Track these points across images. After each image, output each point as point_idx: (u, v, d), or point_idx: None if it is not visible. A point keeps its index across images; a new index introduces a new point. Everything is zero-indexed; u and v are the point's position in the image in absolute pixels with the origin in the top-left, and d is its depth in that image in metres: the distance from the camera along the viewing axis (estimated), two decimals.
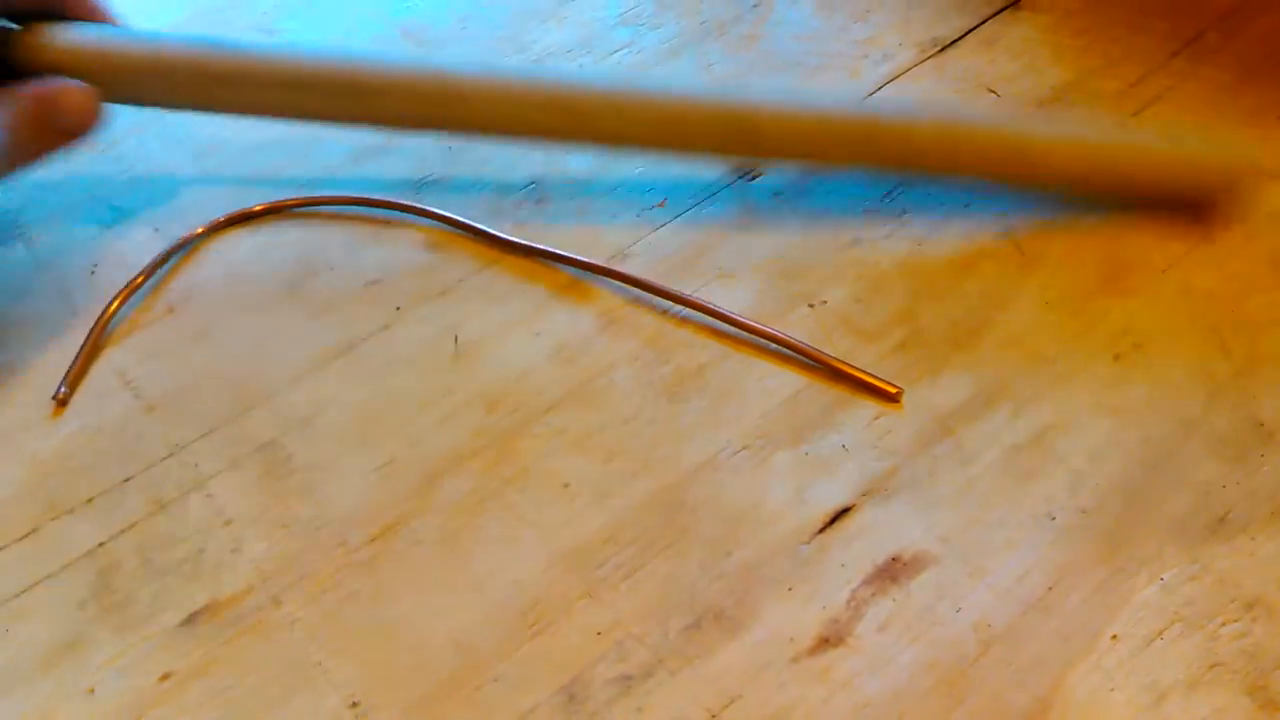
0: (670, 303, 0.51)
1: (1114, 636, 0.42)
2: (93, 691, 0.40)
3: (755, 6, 0.65)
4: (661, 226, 0.54)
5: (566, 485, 0.46)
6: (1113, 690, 0.41)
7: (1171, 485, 0.46)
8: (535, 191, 0.56)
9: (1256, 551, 0.44)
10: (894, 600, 0.43)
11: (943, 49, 0.62)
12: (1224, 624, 0.43)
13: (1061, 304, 0.52)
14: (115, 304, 0.51)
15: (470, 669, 0.41)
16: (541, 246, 0.53)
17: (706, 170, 0.57)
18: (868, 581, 0.43)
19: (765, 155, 0.54)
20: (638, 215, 0.55)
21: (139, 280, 0.52)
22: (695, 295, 0.51)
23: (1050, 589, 0.43)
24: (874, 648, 0.42)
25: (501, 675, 0.41)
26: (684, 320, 0.51)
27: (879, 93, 0.60)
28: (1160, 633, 0.42)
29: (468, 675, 0.41)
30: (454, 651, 0.41)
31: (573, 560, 0.44)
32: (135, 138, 0.59)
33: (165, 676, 0.41)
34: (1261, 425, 0.48)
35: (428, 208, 0.55)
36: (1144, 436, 0.47)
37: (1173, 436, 0.47)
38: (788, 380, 0.49)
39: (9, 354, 0.50)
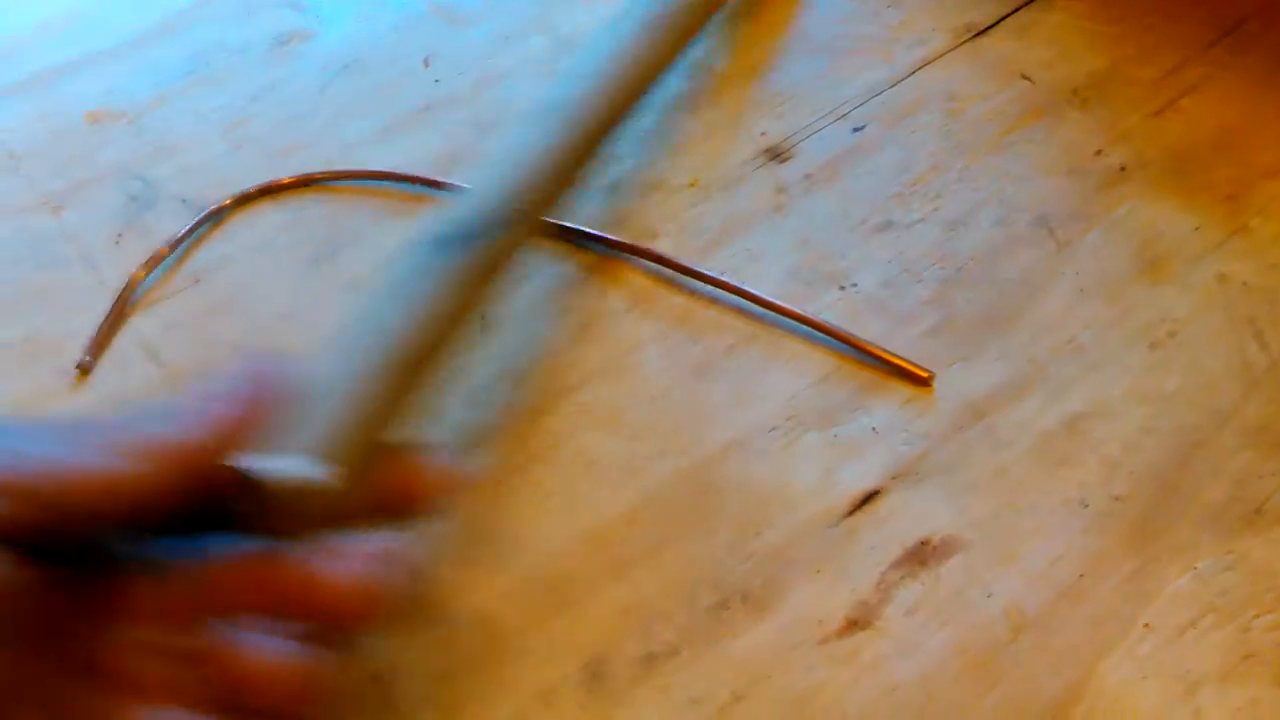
0: (699, 283, 0.51)
1: (1146, 625, 0.42)
2: None
3: None
4: (692, 207, 0.54)
5: (593, 463, 0.45)
6: (1145, 679, 0.40)
7: (1206, 474, 0.45)
8: None
9: None
10: (923, 584, 0.42)
11: (976, 35, 0.62)
12: (1258, 615, 0.42)
13: (1096, 291, 0.51)
14: (140, 274, 0.51)
15: (493, 644, 0.40)
16: (570, 225, 0.52)
17: (738, 151, 0.56)
18: (896, 565, 0.43)
19: None
20: (668, 195, 0.54)
21: (164, 251, 0.52)
22: (725, 276, 0.50)
23: (1082, 576, 0.43)
24: (903, 631, 0.41)
25: (525, 651, 0.40)
26: (713, 301, 0.50)
27: (910, 78, 0.60)
28: (1193, 622, 0.42)
29: (491, 650, 0.40)
30: (477, 626, 0.41)
31: (598, 537, 0.43)
32: (162, 108, 0.58)
33: None
34: None
35: (456, 184, 0.54)
36: (1179, 425, 0.47)
37: (1208, 426, 0.47)
38: (817, 362, 0.48)
39: (34, 322, 0.50)
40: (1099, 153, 0.56)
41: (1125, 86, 0.59)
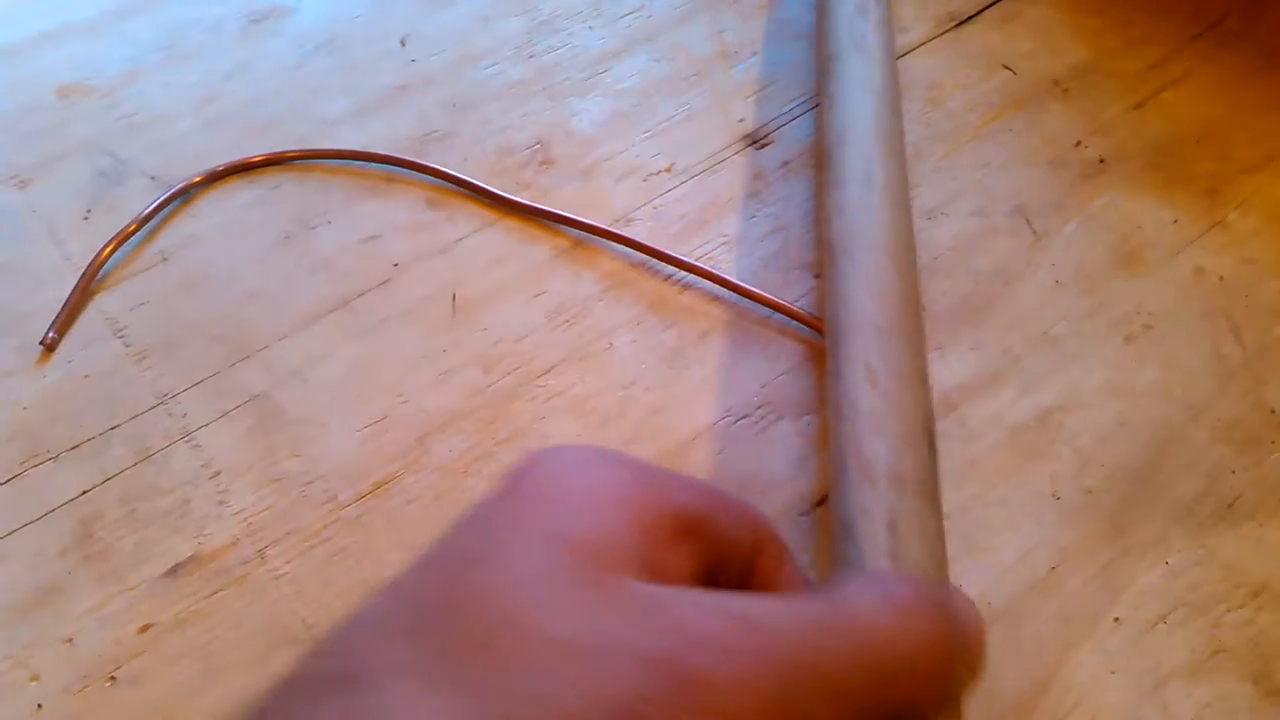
0: (674, 268, 0.50)
1: (1116, 619, 0.41)
2: (71, 640, 0.40)
3: None
4: (667, 192, 0.53)
5: None
6: (1113, 673, 0.40)
7: (1179, 469, 0.45)
8: (540, 152, 0.55)
9: (1264, 538, 0.44)
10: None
11: (958, 24, 0.61)
12: (1228, 610, 0.42)
13: (1072, 283, 0.51)
14: (108, 250, 0.50)
15: None
16: (544, 207, 0.52)
17: (716, 136, 0.56)
18: None
19: None
20: (644, 179, 0.54)
21: (132, 228, 0.51)
22: (699, 262, 0.50)
23: (1053, 569, 0.43)
24: None
25: None
26: (687, 286, 0.50)
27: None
28: (1164, 617, 0.42)
29: None
30: None
31: None
32: (135, 84, 0.57)
33: (145, 627, 0.40)
34: (1273, 412, 0.47)
35: (429, 164, 0.53)
36: (1152, 419, 0.47)
37: (1181, 420, 0.47)
38: (791, 350, 0.48)
39: None
40: (1079, 144, 0.56)
41: (1107, 79, 0.59)
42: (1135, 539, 0.43)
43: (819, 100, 0.54)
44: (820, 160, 0.51)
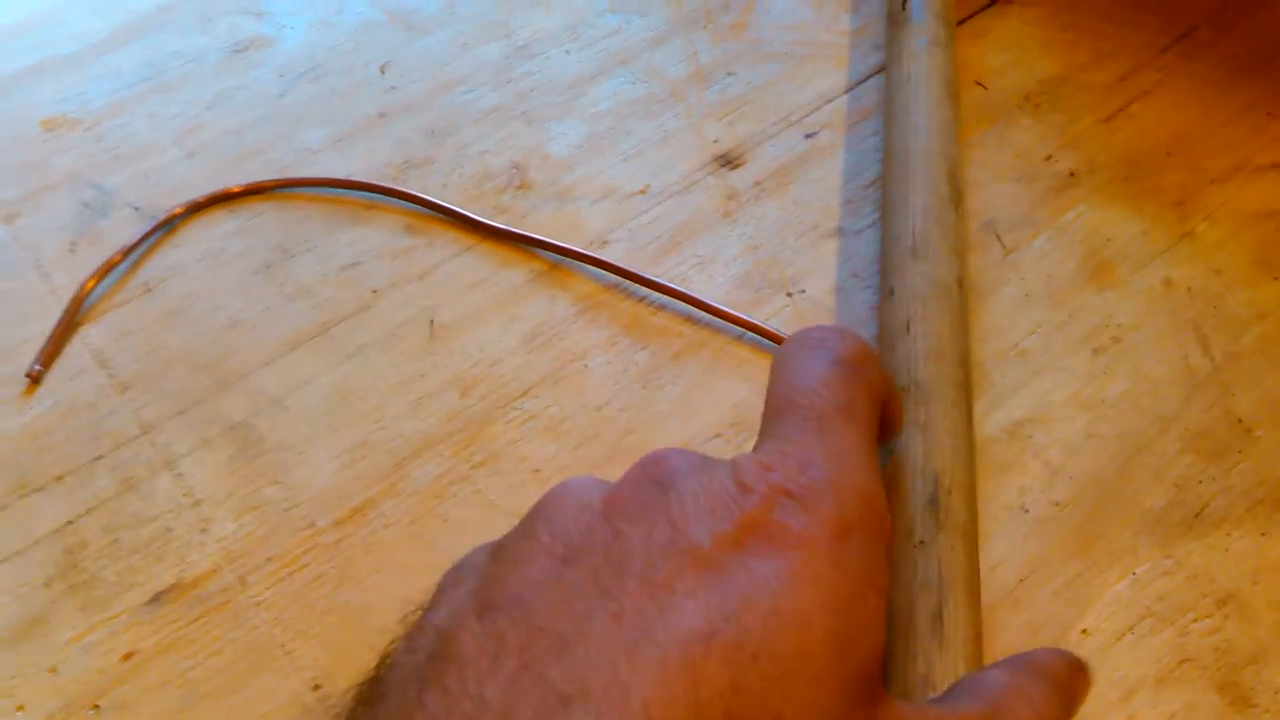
0: (648, 290, 0.51)
1: (1084, 631, 0.42)
2: (55, 670, 0.40)
3: None
4: (643, 213, 0.54)
5: (537, 471, 0.46)
6: None
7: (1147, 480, 0.46)
8: (517, 176, 0.56)
9: (1231, 547, 0.44)
10: None
11: None
12: (1195, 620, 0.42)
13: (1042, 296, 0.51)
14: (92, 282, 0.51)
15: None
16: (521, 231, 0.53)
17: (690, 157, 0.56)
18: None
19: None
20: (619, 202, 0.55)
21: (116, 259, 0.52)
22: (673, 283, 0.51)
23: (1021, 581, 0.43)
24: None
25: None
26: (660, 308, 0.51)
27: (864, 84, 0.60)
28: (1131, 628, 0.42)
29: None
30: None
31: None
32: (118, 116, 0.58)
33: (129, 655, 0.41)
34: (1240, 421, 0.47)
35: (407, 190, 0.54)
36: (1121, 430, 0.47)
37: (1150, 431, 0.47)
38: (763, 369, 0.49)
39: None
40: (1049, 158, 0.57)
41: (1077, 92, 0.60)
42: (1103, 550, 0.44)
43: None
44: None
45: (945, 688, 0.36)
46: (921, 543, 0.40)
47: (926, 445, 0.42)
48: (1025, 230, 0.54)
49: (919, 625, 0.38)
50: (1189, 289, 0.51)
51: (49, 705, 0.39)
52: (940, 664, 0.37)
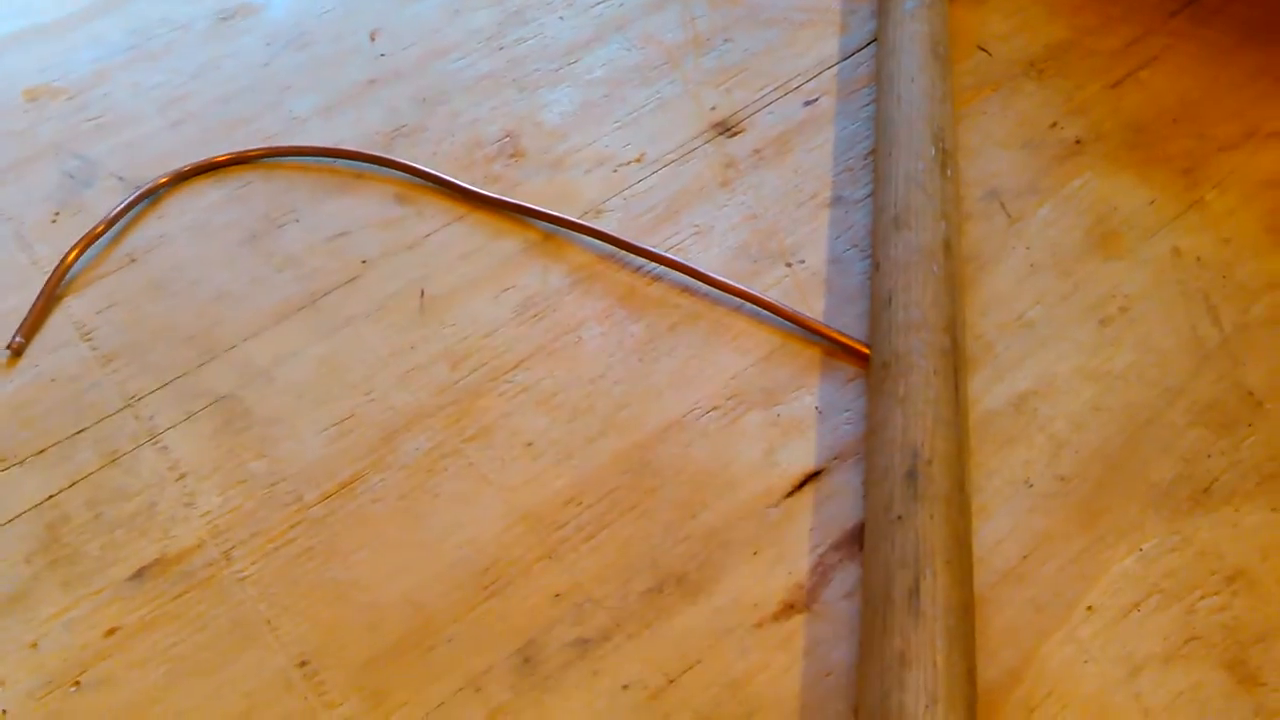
0: (644, 260, 0.50)
1: (1090, 607, 0.41)
2: (36, 645, 0.39)
3: None
4: (638, 182, 0.53)
5: (529, 444, 0.44)
6: (1087, 662, 0.40)
7: (1155, 454, 0.45)
8: (509, 145, 0.54)
9: (1240, 523, 0.43)
10: (862, 567, 0.42)
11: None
12: (1203, 597, 0.41)
13: (1047, 266, 0.50)
14: (74, 253, 0.50)
15: (423, 629, 0.40)
16: (513, 200, 0.51)
17: (686, 125, 0.55)
18: (836, 547, 0.42)
19: None
20: (614, 170, 0.53)
21: (99, 229, 0.51)
22: (670, 253, 0.50)
23: (1025, 557, 0.42)
24: (840, 615, 0.41)
25: (455, 636, 0.40)
26: (657, 278, 0.50)
27: (864, 50, 0.58)
28: (1137, 604, 0.41)
29: (420, 636, 0.40)
30: (407, 611, 0.40)
31: (533, 521, 0.42)
32: (101, 86, 0.57)
33: (111, 631, 0.40)
34: (1250, 394, 0.46)
35: (398, 159, 0.53)
36: (1128, 403, 0.46)
37: (1157, 403, 0.46)
38: (761, 340, 0.48)
39: None
40: (1054, 125, 0.55)
41: (1084, 58, 0.58)
42: (1109, 525, 0.43)
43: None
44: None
45: (920, 662, 0.36)
46: (899, 517, 0.39)
47: (905, 419, 0.41)
48: (1030, 198, 0.52)
49: (896, 601, 0.37)
50: (1198, 258, 0.50)
51: (29, 681, 0.38)
52: (916, 639, 0.36)
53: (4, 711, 0.38)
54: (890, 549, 0.39)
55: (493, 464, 0.44)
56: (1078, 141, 0.55)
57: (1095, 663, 0.40)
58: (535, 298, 0.49)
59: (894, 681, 0.36)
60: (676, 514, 0.43)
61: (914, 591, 0.37)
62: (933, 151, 0.49)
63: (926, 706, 0.35)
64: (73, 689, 0.39)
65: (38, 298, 0.48)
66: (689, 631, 0.40)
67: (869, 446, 0.43)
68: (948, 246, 0.46)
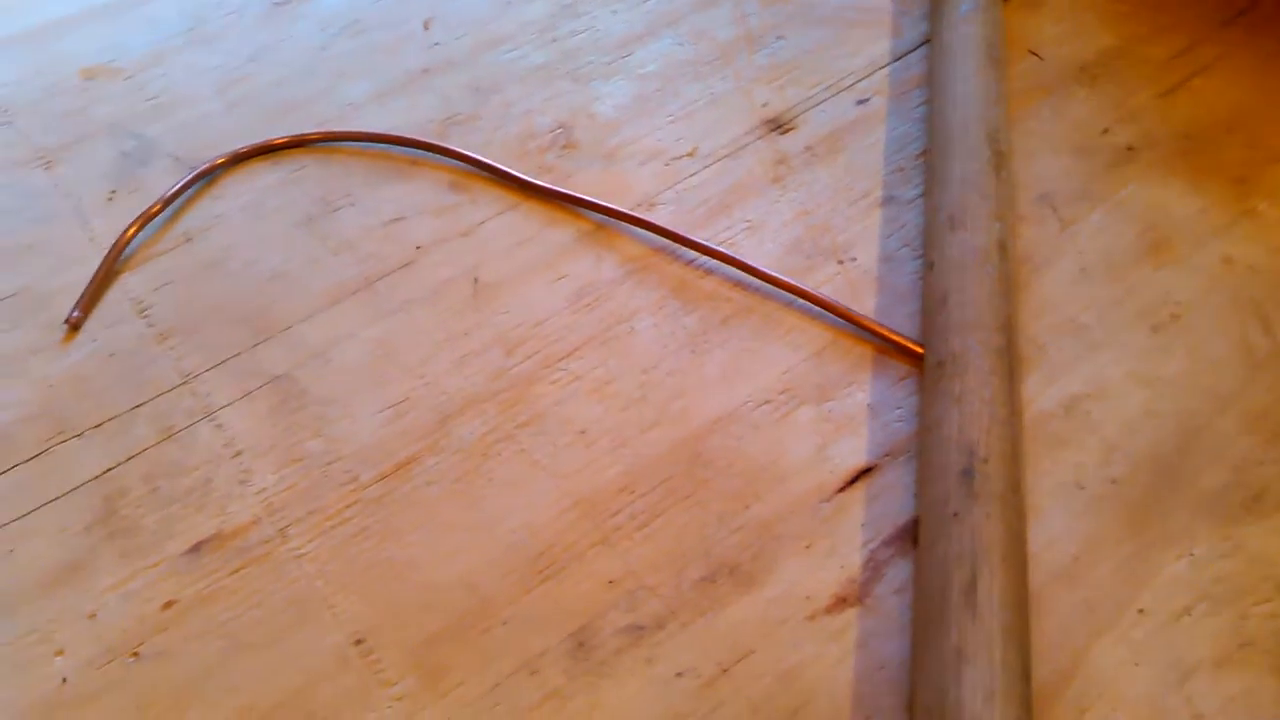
0: (696, 253, 0.50)
1: (1141, 610, 0.41)
2: (94, 616, 0.40)
3: None
4: (690, 176, 0.53)
5: (583, 432, 0.45)
6: (1137, 665, 0.40)
7: (1206, 460, 0.45)
8: (563, 136, 0.55)
9: None
10: (913, 563, 0.42)
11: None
12: (1255, 603, 0.41)
13: (1099, 271, 0.50)
14: (132, 230, 0.50)
15: (478, 611, 0.40)
16: (566, 191, 0.52)
17: (739, 121, 0.55)
18: (887, 542, 0.42)
19: None
20: (667, 164, 0.54)
21: (156, 208, 0.51)
22: (722, 246, 0.50)
23: (1076, 559, 0.42)
24: (892, 610, 0.41)
25: (510, 619, 0.40)
26: (709, 271, 0.50)
27: (917, 51, 0.59)
28: (1188, 609, 0.41)
29: (475, 617, 0.40)
30: (463, 593, 0.40)
31: (586, 507, 0.43)
32: (159, 66, 0.57)
33: (168, 604, 0.40)
34: None
35: (452, 147, 0.53)
36: (1179, 409, 0.46)
37: (1208, 410, 0.46)
38: (813, 336, 0.48)
39: (24, 277, 0.49)
40: (1106, 131, 0.55)
41: (1136, 65, 0.58)
42: (1160, 530, 0.43)
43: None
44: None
45: (977, 658, 0.36)
46: (956, 514, 0.39)
47: (961, 417, 0.41)
48: (1082, 204, 0.52)
49: (952, 597, 0.37)
50: (1250, 267, 0.50)
51: (88, 650, 0.39)
52: (973, 635, 0.36)
53: (64, 680, 0.38)
54: (947, 545, 0.39)
55: (546, 450, 0.44)
56: (1129, 148, 0.55)
57: (1147, 665, 0.40)
58: (588, 287, 0.49)
59: (951, 677, 0.36)
60: (729, 505, 0.43)
61: (971, 588, 0.37)
62: (988, 153, 0.49)
63: (984, 703, 0.35)
64: (131, 659, 0.39)
65: (96, 273, 0.49)
66: (742, 622, 0.40)
67: (923, 444, 0.43)
68: (1003, 248, 0.47)
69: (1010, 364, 0.43)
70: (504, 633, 0.40)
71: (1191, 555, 0.42)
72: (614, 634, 0.40)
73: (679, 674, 0.39)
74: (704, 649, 0.39)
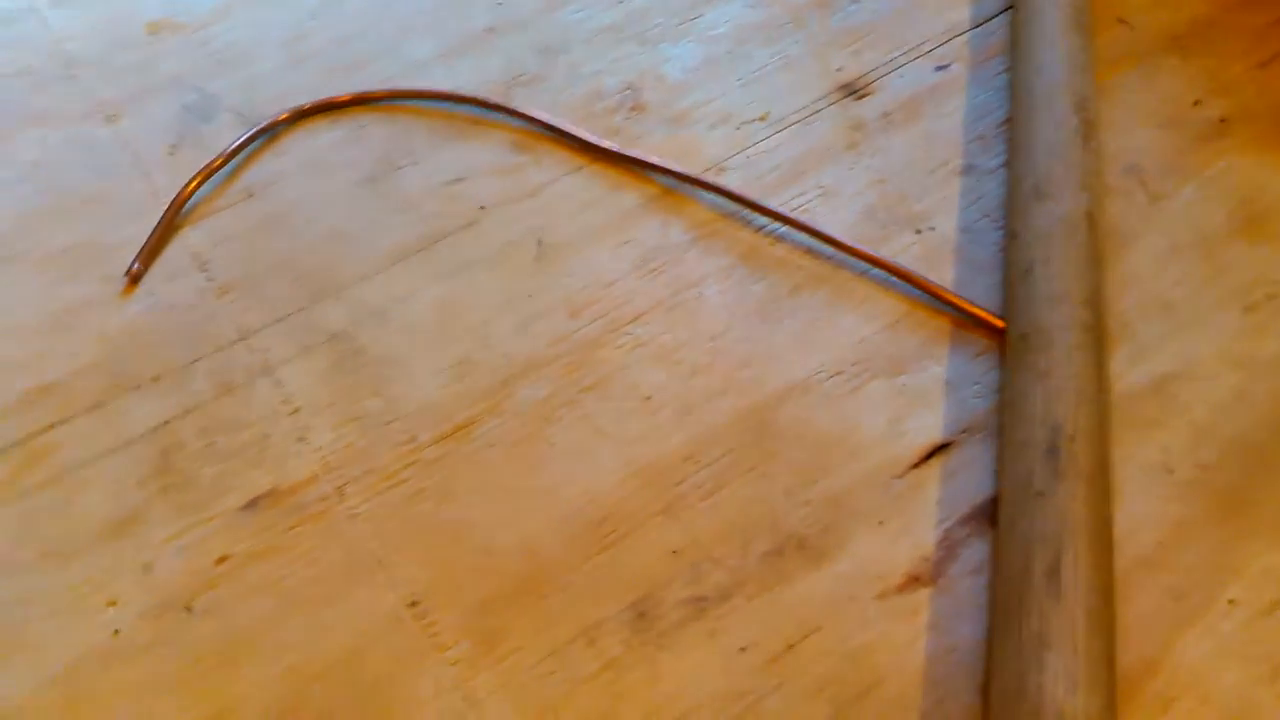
0: (767, 219, 0.48)
1: (1231, 601, 0.39)
2: (148, 568, 0.39)
3: None
4: (762, 140, 0.51)
5: (648, 398, 0.43)
6: (1227, 658, 0.38)
7: None
8: (630, 97, 0.53)
9: None
10: (990, 543, 0.40)
11: None
12: None
13: (1189, 248, 0.48)
14: (193, 185, 0.49)
15: (537, 577, 0.39)
16: (634, 154, 0.50)
17: (813, 86, 0.53)
18: (963, 521, 0.41)
19: None
20: (737, 128, 0.52)
21: (218, 163, 0.50)
22: (793, 213, 0.48)
23: (1160, 545, 0.40)
24: (966, 591, 0.39)
25: (569, 585, 0.39)
26: (780, 238, 0.48)
27: (998, 17, 0.56)
28: None
29: (534, 583, 0.39)
30: (521, 557, 0.39)
31: (650, 475, 0.41)
32: (223, 21, 0.57)
33: (223, 559, 0.39)
34: None
35: (517, 108, 0.52)
36: (1274, 392, 0.44)
37: None
38: (888, 307, 0.46)
39: (85, 230, 0.49)
40: (1197, 104, 0.53)
41: (1230, 34, 0.56)
42: (1253, 518, 0.41)
43: None
44: None
45: (1061, 644, 0.34)
46: (1040, 494, 0.37)
47: (1046, 393, 0.40)
48: (1171, 178, 0.50)
49: (1034, 579, 0.36)
50: None
51: (141, 602, 0.38)
52: (1056, 620, 0.35)
53: (116, 631, 0.38)
54: (1029, 525, 0.37)
55: (609, 416, 0.43)
56: (1223, 121, 0.52)
57: (1237, 659, 0.38)
58: (655, 252, 0.48)
59: (1031, 662, 0.34)
60: (797, 478, 0.41)
61: (1054, 570, 0.36)
62: (1075, 121, 0.47)
63: (1066, 691, 0.33)
64: (184, 613, 0.38)
65: (156, 226, 0.48)
66: (809, 598, 0.39)
67: (1004, 420, 0.41)
68: (1090, 219, 0.44)
69: (1098, 339, 0.41)
70: (562, 600, 0.38)
71: None
72: (676, 605, 0.38)
73: (742, 649, 0.38)
74: (769, 624, 0.38)
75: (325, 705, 0.36)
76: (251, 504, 0.40)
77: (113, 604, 0.38)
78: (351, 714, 0.36)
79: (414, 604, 0.38)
